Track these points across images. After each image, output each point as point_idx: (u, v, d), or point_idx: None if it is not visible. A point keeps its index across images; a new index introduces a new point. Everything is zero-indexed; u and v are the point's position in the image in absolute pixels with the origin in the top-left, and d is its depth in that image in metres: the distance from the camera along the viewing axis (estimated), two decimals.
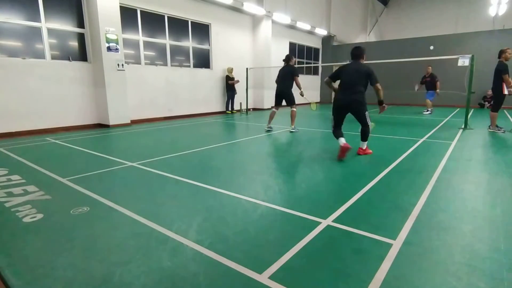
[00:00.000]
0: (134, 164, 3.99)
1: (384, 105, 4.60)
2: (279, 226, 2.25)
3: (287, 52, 14.42)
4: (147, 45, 8.79)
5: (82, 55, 7.45)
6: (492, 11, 16.82)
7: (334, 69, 5.92)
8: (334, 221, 2.29)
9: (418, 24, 19.52)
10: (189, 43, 9.94)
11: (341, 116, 4.44)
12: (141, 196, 2.89)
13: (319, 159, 4.37)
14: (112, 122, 7.52)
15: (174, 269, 1.71)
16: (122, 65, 7.58)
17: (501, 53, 6.23)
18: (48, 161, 4.22)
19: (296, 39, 14.87)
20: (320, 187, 3.19)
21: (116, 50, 7.42)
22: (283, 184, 3.21)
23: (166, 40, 9.23)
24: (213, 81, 10.80)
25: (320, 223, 2.26)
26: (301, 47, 15.54)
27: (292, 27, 14.01)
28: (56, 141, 5.70)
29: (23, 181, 3.32)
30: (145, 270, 1.70)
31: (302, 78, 15.93)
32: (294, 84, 6.45)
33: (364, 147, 4.55)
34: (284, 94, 6.52)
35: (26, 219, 2.38)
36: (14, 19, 6.31)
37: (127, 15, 8.10)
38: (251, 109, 12.44)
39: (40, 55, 6.71)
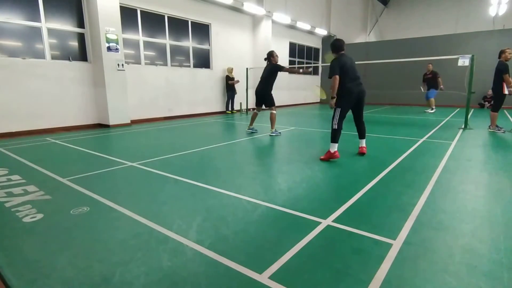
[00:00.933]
0: (134, 164, 3.99)
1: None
2: (279, 226, 2.25)
3: (287, 52, 14.44)
4: (147, 45, 8.79)
5: (82, 55, 7.45)
6: (492, 11, 16.82)
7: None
8: (334, 221, 2.29)
9: (418, 24, 19.51)
10: (189, 43, 9.95)
11: (350, 108, 4.26)
12: (141, 196, 2.89)
13: (319, 159, 4.37)
14: (112, 122, 7.52)
15: (174, 269, 1.71)
16: (122, 65, 7.58)
17: (501, 53, 6.23)
18: (48, 161, 4.22)
19: (296, 39, 14.87)
20: (320, 187, 3.19)
21: (116, 50, 7.42)
22: (283, 184, 3.21)
23: (166, 40, 9.23)
24: (213, 81, 10.81)
25: (320, 223, 2.26)
26: (301, 47, 15.54)
27: (292, 27, 14.01)
28: (56, 141, 5.70)
29: (23, 181, 3.32)
30: (145, 270, 1.70)
31: (302, 78, 15.86)
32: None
33: (364, 145, 4.51)
34: (261, 95, 6.26)
35: (26, 219, 2.38)
36: (14, 19, 6.31)
37: (127, 15, 8.10)
38: (251, 109, 12.43)
39: (40, 55, 6.71)
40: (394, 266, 1.72)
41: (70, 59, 7.16)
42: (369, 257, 1.81)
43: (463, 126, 6.97)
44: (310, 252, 1.88)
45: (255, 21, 12.05)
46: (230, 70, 10.94)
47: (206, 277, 1.65)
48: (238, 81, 11.03)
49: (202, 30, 10.33)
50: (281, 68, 6.18)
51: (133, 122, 8.22)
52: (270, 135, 6.19)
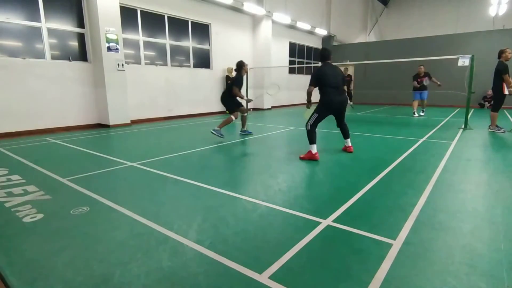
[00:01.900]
0: (134, 164, 3.99)
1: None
2: (279, 226, 2.25)
3: (287, 52, 14.43)
4: (147, 45, 8.79)
5: (82, 55, 7.45)
6: (492, 11, 16.81)
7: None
8: (334, 221, 2.29)
9: (418, 24, 19.50)
10: (189, 43, 9.94)
11: (327, 116, 4.39)
12: (141, 196, 2.89)
13: (320, 159, 4.37)
14: (112, 122, 7.52)
15: (174, 269, 1.71)
16: (122, 65, 7.58)
17: (501, 53, 6.23)
18: (48, 161, 4.22)
19: (296, 39, 14.87)
20: (320, 187, 3.19)
21: (116, 50, 7.42)
22: (283, 184, 3.21)
23: (166, 40, 9.23)
24: (213, 81, 10.80)
25: (320, 223, 2.26)
26: (301, 47, 15.53)
27: (292, 27, 14.01)
28: (56, 141, 5.70)
29: (23, 181, 3.32)
30: (145, 270, 1.70)
31: (303, 78, 15.86)
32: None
33: (350, 144, 4.70)
34: (222, 101, 6.11)
35: (26, 219, 2.38)
36: (14, 19, 6.31)
37: (127, 15, 8.10)
38: (251, 109, 12.43)
39: (40, 55, 6.71)
40: (394, 266, 1.72)
41: (70, 59, 7.16)
42: (369, 257, 1.81)
43: (463, 126, 6.97)
44: (310, 252, 1.88)
45: (255, 21, 12.05)
46: (230, 70, 10.93)
47: (206, 277, 1.65)
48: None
49: (202, 30, 10.33)
50: (235, 84, 5.86)
51: (133, 122, 8.22)
52: (211, 131, 5.77)
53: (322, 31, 15.53)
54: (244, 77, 6.46)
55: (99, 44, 7.15)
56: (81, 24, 7.31)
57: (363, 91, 13.39)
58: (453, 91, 10.56)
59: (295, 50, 15.11)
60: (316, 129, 4.30)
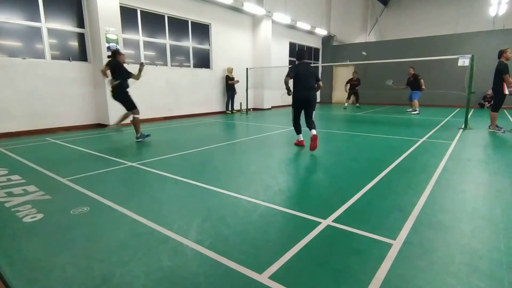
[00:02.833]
0: (134, 164, 3.99)
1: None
2: (279, 226, 2.25)
3: (287, 52, 14.44)
4: (147, 45, 8.79)
5: (82, 55, 7.45)
6: (492, 11, 16.81)
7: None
8: (334, 221, 2.29)
9: (418, 24, 19.50)
10: (189, 43, 9.94)
11: (301, 110, 5.03)
12: (141, 196, 2.89)
13: (319, 159, 4.38)
14: (112, 122, 7.51)
15: (174, 269, 1.71)
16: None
17: (501, 53, 6.23)
18: (48, 161, 4.22)
19: (296, 39, 14.87)
20: (320, 187, 3.19)
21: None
22: (283, 184, 3.21)
23: (166, 40, 9.23)
24: (213, 81, 10.80)
25: (320, 223, 2.26)
26: (301, 47, 15.53)
27: (292, 27, 14.01)
28: (56, 141, 5.70)
29: (23, 181, 3.32)
30: (145, 270, 1.70)
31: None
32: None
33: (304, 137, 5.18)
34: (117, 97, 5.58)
35: (26, 219, 2.38)
36: (14, 19, 6.31)
37: (127, 15, 8.10)
38: (251, 109, 12.44)
39: (40, 55, 6.71)
40: (394, 266, 1.72)
41: (70, 59, 7.16)
42: (369, 257, 1.81)
43: (463, 126, 6.97)
44: (310, 252, 1.88)
45: (255, 21, 12.05)
46: (230, 70, 10.94)
47: (206, 277, 1.65)
48: (238, 81, 11.02)
49: (202, 30, 10.33)
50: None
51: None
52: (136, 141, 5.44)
53: (322, 31, 15.52)
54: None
55: (99, 44, 7.15)
56: (81, 24, 7.31)
57: (363, 91, 13.41)
58: (453, 91, 10.58)
59: (295, 50, 15.10)
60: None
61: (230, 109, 11.25)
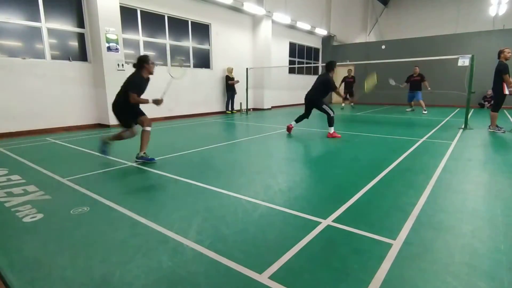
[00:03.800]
0: (134, 164, 3.99)
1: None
2: (279, 226, 2.25)
3: (287, 52, 14.43)
4: (147, 45, 8.79)
5: (82, 55, 7.45)
6: (492, 11, 16.82)
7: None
8: (334, 221, 2.29)
9: (418, 24, 19.51)
10: (189, 43, 9.94)
11: (306, 107, 6.33)
12: (141, 196, 2.89)
13: (319, 159, 4.38)
14: (112, 122, 7.51)
15: (174, 269, 1.71)
16: (122, 65, 7.58)
17: (500, 53, 6.24)
18: (48, 161, 4.22)
19: (296, 39, 14.87)
20: (320, 187, 3.19)
21: (116, 50, 7.42)
22: (283, 184, 3.21)
23: (166, 40, 9.23)
24: (213, 81, 10.80)
25: (320, 223, 2.26)
26: (301, 47, 15.53)
27: (292, 27, 14.01)
28: (56, 141, 5.70)
29: (23, 181, 3.32)
30: (145, 270, 1.70)
31: (302, 78, 15.77)
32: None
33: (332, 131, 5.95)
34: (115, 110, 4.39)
35: (26, 219, 2.38)
36: (14, 19, 6.31)
37: (127, 15, 8.10)
38: (251, 109, 12.44)
39: (40, 55, 6.71)
40: (394, 266, 1.72)
41: (70, 59, 7.16)
42: (369, 257, 1.81)
43: (463, 126, 6.97)
44: (310, 252, 1.88)
45: (255, 21, 12.05)
46: (230, 70, 10.94)
47: (206, 277, 1.65)
48: (238, 81, 11.02)
49: (202, 30, 10.33)
50: (130, 88, 4.25)
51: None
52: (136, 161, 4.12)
53: (322, 31, 15.52)
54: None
55: (99, 44, 7.15)
56: (81, 24, 7.31)
57: (363, 91, 13.42)
58: (453, 91, 10.58)
59: (295, 50, 15.11)
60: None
61: (230, 109, 11.25)
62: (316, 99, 6.02)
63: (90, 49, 7.45)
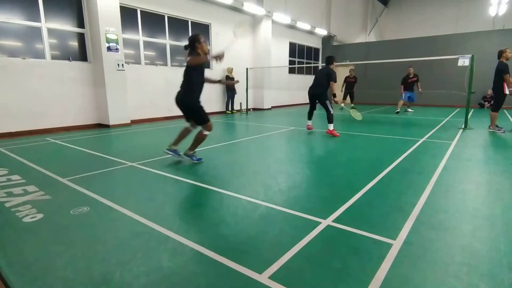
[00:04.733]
0: (134, 164, 3.99)
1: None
2: (279, 226, 2.25)
3: (287, 52, 14.42)
4: (147, 45, 8.78)
5: (82, 55, 7.45)
6: (492, 11, 16.82)
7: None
8: (334, 221, 2.29)
9: (418, 24, 19.52)
10: None
11: (310, 101, 6.65)
12: (141, 196, 2.89)
13: (320, 159, 4.38)
14: (112, 122, 7.52)
15: (174, 269, 1.71)
16: (122, 65, 7.58)
17: (501, 53, 6.24)
18: (48, 161, 4.22)
19: (296, 39, 14.87)
20: (320, 187, 3.19)
21: (116, 50, 7.42)
22: (283, 184, 3.21)
23: (166, 40, 9.23)
24: None
25: (320, 223, 2.26)
26: (301, 47, 15.53)
27: (292, 27, 14.01)
28: (56, 141, 5.70)
29: (23, 181, 3.32)
30: (145, 270, 1.70)
31: (303, 78, 15.82)
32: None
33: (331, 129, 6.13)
34: (183, 105, 4.39)
35: (26, 219, 2.38)
36: (14, 19, 6.31)
37: (127, 15, 8.10)
38: (251, 109, 12.44)
39: (40, 55, 6.71)
40: (394, 266, 1.72)
41: (70, 59, 7.16)
42: (369, 257, 1.81)
43: (463, 126, 6.97)
44: (310, 252, 1.88)
45: (255, 21, 12.05)
46: (230, 70, 10.94)
47: (206, 277, 1.65)
48: (237, 81, 10.99)
49: (202, 30, 10.32)
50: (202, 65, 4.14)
51: (133, 122, 8.21)
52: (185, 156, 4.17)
53: (322, 31, 15.52)
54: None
55: (99, 44, 7.15)
56: (81, 24, 7.31)
57: (363, 91, 13.41)
58: (453, 91, 10.57)
59: (295, 50, 15.10)
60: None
61: (230, 109, 11.25)
62: (321, 93, 6.18)
63: (90, 49, 7.45)
